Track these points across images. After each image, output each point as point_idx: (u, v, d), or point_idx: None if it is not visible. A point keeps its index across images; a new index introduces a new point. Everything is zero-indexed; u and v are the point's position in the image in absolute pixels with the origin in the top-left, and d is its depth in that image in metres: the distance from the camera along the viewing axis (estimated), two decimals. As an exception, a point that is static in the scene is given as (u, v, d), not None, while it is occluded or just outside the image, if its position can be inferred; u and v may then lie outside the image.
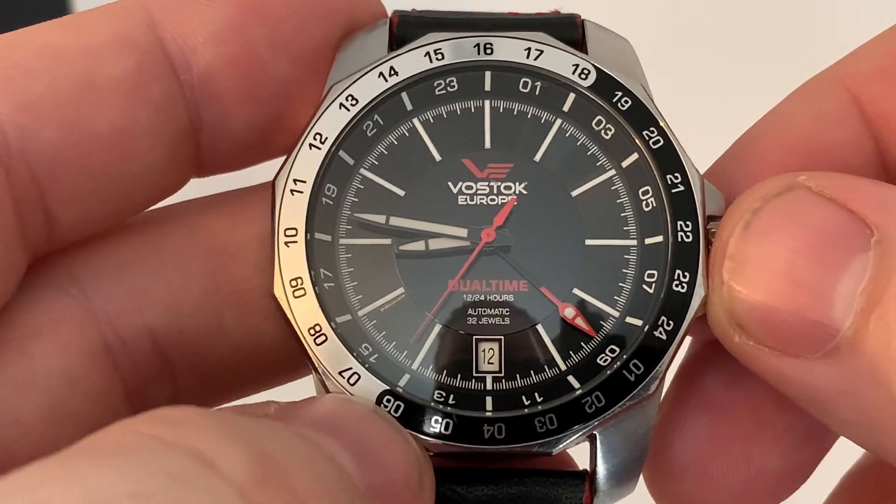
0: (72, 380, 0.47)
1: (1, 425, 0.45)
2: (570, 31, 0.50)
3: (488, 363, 0.47)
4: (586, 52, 0.50)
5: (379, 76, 0.48)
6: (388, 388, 0.46)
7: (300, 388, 0.53)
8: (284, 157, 0.48)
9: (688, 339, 0.49)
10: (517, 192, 0.48)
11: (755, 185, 0.44)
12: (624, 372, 0.46)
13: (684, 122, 0.51)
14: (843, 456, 0.52)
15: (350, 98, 0.48)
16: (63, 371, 0.47)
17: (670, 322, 0.46)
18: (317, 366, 0.46)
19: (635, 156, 0.48)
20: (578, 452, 0.48)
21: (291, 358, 0.50)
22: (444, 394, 0.46)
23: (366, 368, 0.46)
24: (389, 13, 0.51)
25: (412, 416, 0.45)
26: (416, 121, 0.49)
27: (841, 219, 0.42)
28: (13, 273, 0.46)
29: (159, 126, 0.47)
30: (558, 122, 0.49)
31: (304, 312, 0.46)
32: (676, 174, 0.48)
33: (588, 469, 0.47)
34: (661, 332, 0.46)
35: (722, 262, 0.44)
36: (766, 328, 0.42)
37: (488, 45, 0.49)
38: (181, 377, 0.50)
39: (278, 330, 0.49)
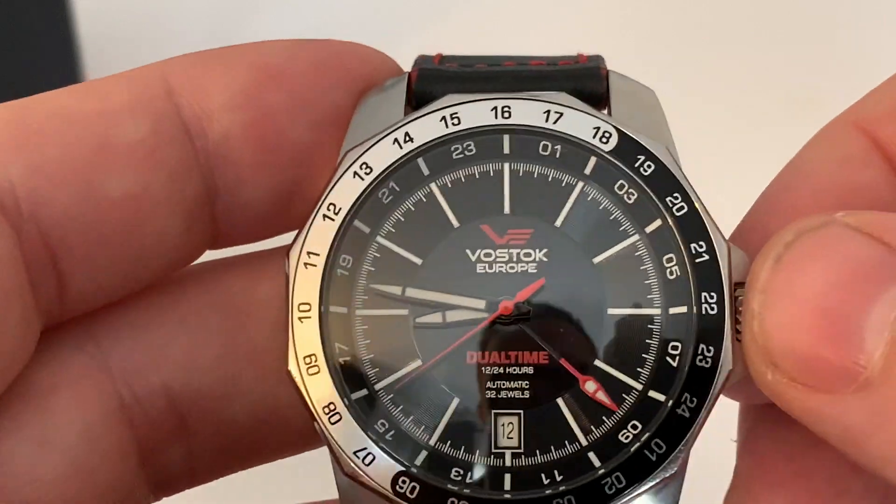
0: (91, 437, 0.46)
1: (22, 484, 0.45)
2: (593, 83, 0.48)
3: (507, 438, 0.46)
4: (609, 106, 0.48)
5: (393, 143, 0.47)
6: (403, 468, 0.45)
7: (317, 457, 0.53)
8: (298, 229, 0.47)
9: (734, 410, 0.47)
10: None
11: (791, 223, 0.43)
12: (645, 451, 0.45)
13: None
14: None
15: (364, 166, 0.47)
16: (82, 428, 0.46)
17: (693, 399, 0.45)
18: (332, 445, 0.45)
19: (659, 222, 0.47)
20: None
21: (307, 426, 0.49)
22: (461, 471, 0.45)
23: (380, 448, 0.45)
24: (416, 56, 0.50)
25: (427, 499, 0.44)
26: (433, 185, 0.47)
27: (875, 251, 0.40)
28: (29, 337, 0.46)
29: (174, 193, 0.46)
30: (580, 184, 0.47)
31: (319, 390, 0.45)
32: (701, 243, 0.46)
33: None
34: (684, 410, 0.45)
35: (753, 297, 0.42)
36: (798, 362, 0.41)
37: (506, 109, 0.47)
38: (196, 437, 0.49)
39: (293, 396, 0.48)
